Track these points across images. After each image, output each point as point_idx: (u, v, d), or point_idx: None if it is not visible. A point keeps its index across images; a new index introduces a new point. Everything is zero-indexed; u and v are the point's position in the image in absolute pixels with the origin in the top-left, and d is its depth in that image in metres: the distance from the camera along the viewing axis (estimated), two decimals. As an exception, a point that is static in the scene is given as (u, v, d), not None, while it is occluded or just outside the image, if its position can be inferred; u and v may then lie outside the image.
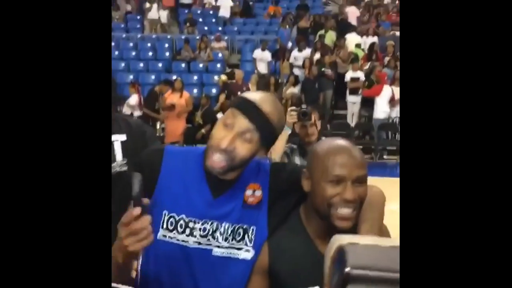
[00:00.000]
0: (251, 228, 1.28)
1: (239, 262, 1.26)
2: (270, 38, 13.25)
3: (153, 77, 12.12)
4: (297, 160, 3.03)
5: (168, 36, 13.99)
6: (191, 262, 1.25)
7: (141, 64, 12.65)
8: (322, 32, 12.39)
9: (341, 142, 1.26)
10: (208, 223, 1.25)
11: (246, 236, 1.27)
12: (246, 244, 1.27)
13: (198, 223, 1.25)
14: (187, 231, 1.25)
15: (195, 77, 12.03)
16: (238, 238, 1.26)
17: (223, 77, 10.77)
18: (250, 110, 1.20)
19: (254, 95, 1.26)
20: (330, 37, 12.29)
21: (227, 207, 1.26)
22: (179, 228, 1.25)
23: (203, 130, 9.29)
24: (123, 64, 12.62)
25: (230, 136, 1.18)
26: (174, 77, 10.67)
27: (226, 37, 13.55)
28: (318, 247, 1.25)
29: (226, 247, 1.26)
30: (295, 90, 10.82)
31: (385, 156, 10.01)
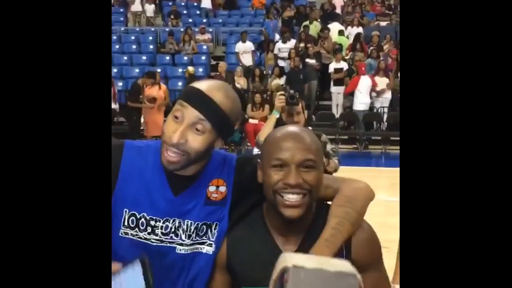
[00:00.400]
0: (214, 223, 1.24)
1: (202, 256, 1.23)
2: (255, 30, 13.22)
3: (137, 70, 12.03)
4: None
5: (152, 29, 13.89)
6: (153, 259, 1.15)
7: (125, 58, 12.55)
8: (306, 23, 12.40)
9: (291, 128, 1.22)
10: (169, 221, 1.21)
11: (209, 231, 1.23)
12: (209, 239, 1.23)
13: (160, 221, 1.21)
14: (149, 229, 1.21)
15: (180, 70, 11.96)
16: (201, 234, 1.23)
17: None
18: (198, 99, 1.15)
19: (202, 83, 1.20)
20: (314, 28, 12.30)
21: (189, 205, 1.22)
22: (140, 226, 1.21)
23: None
24: (107, 58, 12.47)
25: (181, 129, 1.13)
26: (158, 70, 10.61)
27: (210, 30, 13.48)
28: (276, 240, 1.21)
29: (190, 245, 1.22)
30: (281, 81, 10.83)
31: (370, 146, 10.09)
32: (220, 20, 14.39)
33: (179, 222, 1.21)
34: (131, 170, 1.22)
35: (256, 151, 10.84)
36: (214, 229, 1.24)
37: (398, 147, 5.31)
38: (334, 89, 10.59)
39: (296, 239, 1.20)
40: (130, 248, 1.20)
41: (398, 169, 0.90)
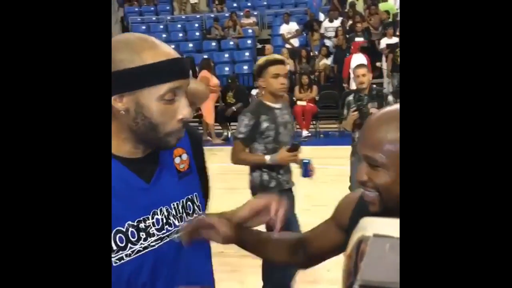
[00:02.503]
0: (194, 194, 1.16)
1: None
2: (300, 11, 13.02)
3: (184, 58, 12.14)
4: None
5: (198, 16, 13.95)
6: (159, 264, 1.08)
7: (172, 46, 12.63)
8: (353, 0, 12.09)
9: (379, 113, 1.04)
10: (157, 213, 1.08)
11: (195, 206, 1.15)
12: (198, 214, 1.14)
13: (148, 219, 1.06)
14: (142, 235, 1.05)
15: (226, 55, 11.98)
16: (190, 212, 1.13)
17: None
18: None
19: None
20: (361, 4, 11.97)
21: (166, 186, 1.10)
22: (131, 239, 1.03)
23: (234, 108, 9.26)
24: (154, 47, 12.70)
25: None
26: (205, 57, 10.66)
27: (255, 13, 13.39)
28: None
29: None
30: (328, 61, 10.64)
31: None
32: (265, 3, 14.26)
33: (167, 209, 1.09)
34: None
35: (305, 133, 10.91)
36: (197, 201, 1.16)
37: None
38: (386, 65, 10.27)
39: None
40: (132, 273, 1.04)
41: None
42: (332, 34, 11.13)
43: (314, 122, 9.47)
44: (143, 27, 13.52)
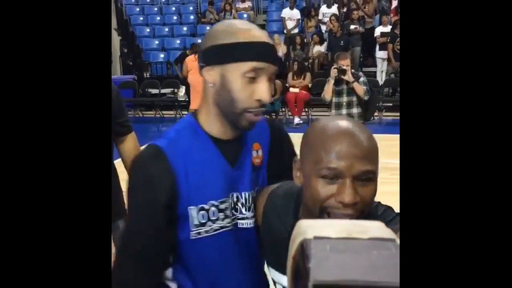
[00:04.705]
0: (256, 189, 1.19)
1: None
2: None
3: (178, 41, 12.08)
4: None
5: (193, -1, 13.85)
6: (231, 246, 1.15)
7: (166, 29, 12.60)
8: (349, -14, 12.03)
9: (344, 123, 0.92)
10: (233, 198, 1.14)
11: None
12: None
13: (227, 201, 1.13)
14: (221, 215, 1.12)
15: (221, 40, 11.89)
16: (251, 205, 1.18)
17: None
18: (270, 53, 1.10)
19: (255, 33, 1.10)
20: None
21: (243, 174, 1.15)
22: (211, 217, 1.11)
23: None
24: (148, 30, 12.60)
25: (266, 87, 1.09)
26: (199, 41, 10.60)
27: (251, -3, 13.31)
28: None
29: (251, 217, 1.17)
30: (322, 48, 10.62)
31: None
32: (261, -12, 14.16)
33: (237, 196, 1.15)
34: (181, 167, 1.10)
35: (297, 120, 10.91)
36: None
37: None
38: (379, 54, 10.24)
39: None
40: (205, 248, 1.12)
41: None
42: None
43: (306, 110, 9.48)
44: (137, 9, 13.40)
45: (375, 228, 0.53)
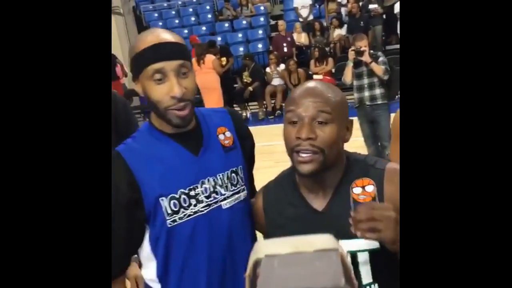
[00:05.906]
0: (239, 167, 1.31)
1: (241, 202, 1.30)
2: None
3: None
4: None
5: (209, -2, 13.88)
6: (207, 227, 1.24)
7: (185, 31, 12.68)
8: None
9: (311, 83, 1.19)
10: (205, 183, 1.24)
11: (238, 177, 1.30)
12: (241, 184, 1.31)
13: (197, 187, 1.23)
14: (193, 201, 1.22)
15: (240, 35, 11.91)
16: (234, 182, 1.29)
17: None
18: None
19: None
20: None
21: (213, 159, 1.27)
22: (183, 204, 1.22)
23: (250, 88, 9.25)
24: (168, 34, 12.70)
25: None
26: (219, 38, 10.63)
27: (266, -11, 13.23)
28: (306, 197, 1.20)
29: (231, 196, 1.28)
30: (342, 31, 10.46)
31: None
32: (275, -22, 14.06)
33: (213, 180, 1.25)
34: (142, 163, 1.22)
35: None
36: (241, 173, 1.31)
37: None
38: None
39: (324, 195, 1.18)
40: (183, 233, 1.22)
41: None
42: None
43: (332, 95, 9.35)
44: (156, 15, 13.52)
45: (321, 241, 0.60)
